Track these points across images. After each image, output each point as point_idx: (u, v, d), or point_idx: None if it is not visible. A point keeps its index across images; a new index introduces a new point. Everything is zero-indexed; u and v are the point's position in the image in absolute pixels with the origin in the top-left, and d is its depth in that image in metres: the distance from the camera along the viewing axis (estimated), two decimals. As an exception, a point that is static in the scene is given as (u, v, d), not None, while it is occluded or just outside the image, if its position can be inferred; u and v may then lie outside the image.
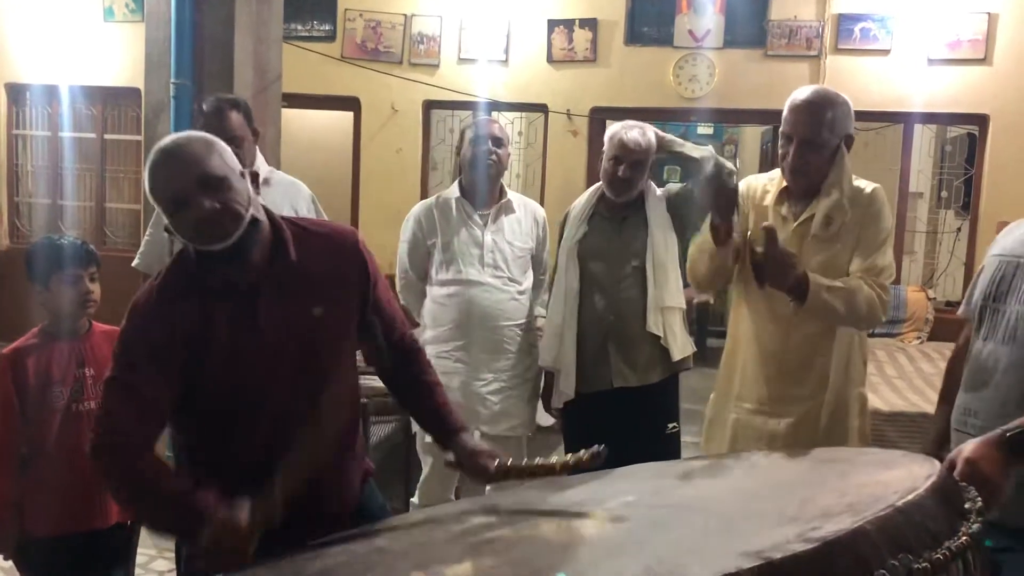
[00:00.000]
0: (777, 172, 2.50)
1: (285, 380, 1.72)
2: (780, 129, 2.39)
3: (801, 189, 2.41)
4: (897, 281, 6.26)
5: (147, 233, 3.15)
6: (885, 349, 5.24)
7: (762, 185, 2.52)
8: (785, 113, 2.36)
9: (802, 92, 2.36)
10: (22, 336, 2.42)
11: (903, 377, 4.58)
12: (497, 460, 1.81)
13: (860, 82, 5.96)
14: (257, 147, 3.13)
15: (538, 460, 1.80)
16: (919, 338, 5.66)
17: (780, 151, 2.39)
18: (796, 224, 2.39)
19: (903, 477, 1.27)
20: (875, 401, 3.99)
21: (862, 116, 6.18)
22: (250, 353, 1.69)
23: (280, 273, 1.72)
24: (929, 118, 6.28)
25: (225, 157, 1.68)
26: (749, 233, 2.40)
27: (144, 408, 1.64)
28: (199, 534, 1.53)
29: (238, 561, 1.53)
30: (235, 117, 3.01)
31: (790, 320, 2.35)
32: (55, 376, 2.35)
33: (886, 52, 5.97)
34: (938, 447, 2.24)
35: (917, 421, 3.85)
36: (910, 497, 1.15)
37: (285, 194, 3.14)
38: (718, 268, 2.45)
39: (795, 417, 2.40)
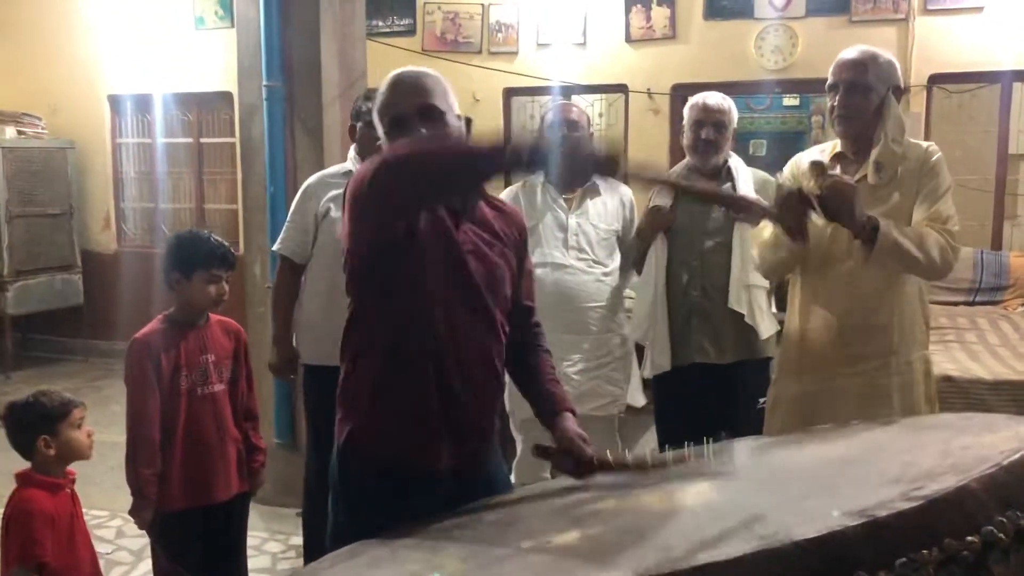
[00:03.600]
0: (828, 144, 2.52)
1: (452, 316, 1.77)
2: (827, 85, 2.43)
3: (852, 137, 2.41)
4: (999, 246, 6.03)
5: (289, 219, 3.16)
6: (987, 317, 5.06)
7: (812, 157, 2.49)
8: (831, 70, 2.43)
9: (847, 51, 2.44)
10: (129, 335, 2.55)
11: (1007, 345, 4.42)
12: (590, 453, 1.76)
13: (952, 43, 5.74)
14: None
15: (629, 458, 1.75)
16: (1024, 305, 5.45)
17: (828, 106, 2.43)
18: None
19: (1008, 438, 1.27)
20: (978, 370, 3.89)
21: (955, 78, 6.05)
22: (436, 267, 1.76)
23: (472, 213, 1.85)
24: (1028, 75, 6.01)
25: (448, 97, 1.82)
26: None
27: None
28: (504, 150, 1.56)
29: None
30: None
31: (851, 278, 2.34)
32: (182, 361, 2.51)
33: (979, 9, 5.72)
34: None
35: (1023, 389, 3.73)
36: (1015, 457, 1.15)
37: None
38: (792, 257, 2.44)
39: (864, 380, 2.36)
